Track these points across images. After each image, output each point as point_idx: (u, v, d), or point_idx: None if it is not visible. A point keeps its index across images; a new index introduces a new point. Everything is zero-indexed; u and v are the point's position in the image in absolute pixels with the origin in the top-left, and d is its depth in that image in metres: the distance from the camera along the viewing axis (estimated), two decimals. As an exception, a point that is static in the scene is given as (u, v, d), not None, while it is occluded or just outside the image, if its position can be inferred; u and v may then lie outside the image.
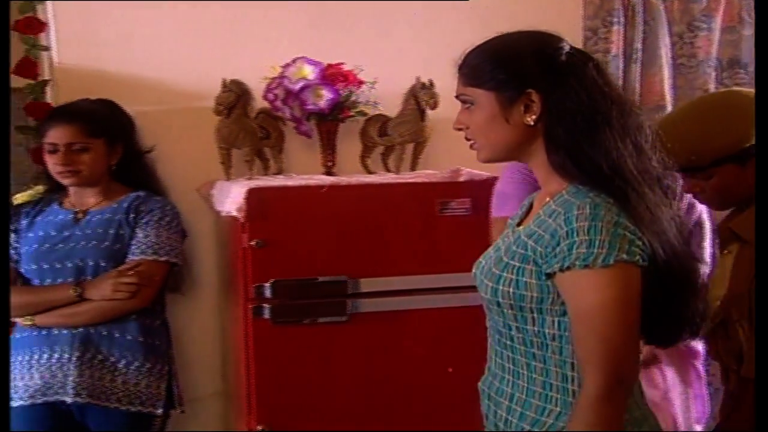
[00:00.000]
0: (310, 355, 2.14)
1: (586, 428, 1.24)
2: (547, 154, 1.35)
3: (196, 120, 2.54)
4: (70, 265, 2.15)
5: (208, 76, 2.49)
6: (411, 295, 2.12)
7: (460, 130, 1.43)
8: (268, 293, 2.09)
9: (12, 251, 2.21)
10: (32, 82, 2.49)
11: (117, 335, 2.15)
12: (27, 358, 2.15)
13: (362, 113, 2.48)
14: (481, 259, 1.46)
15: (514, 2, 2.65)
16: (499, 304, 1.35)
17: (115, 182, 2.27)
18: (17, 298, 2.15)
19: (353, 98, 2.44)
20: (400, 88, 2.44)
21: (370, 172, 2.49)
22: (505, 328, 1.37)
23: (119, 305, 2.12)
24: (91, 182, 2.21)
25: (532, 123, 1.33)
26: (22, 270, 2.20)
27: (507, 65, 1.34)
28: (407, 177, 2.30)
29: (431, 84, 2.36)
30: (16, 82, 2.47)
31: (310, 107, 2.38)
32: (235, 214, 2.07)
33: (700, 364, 2.12)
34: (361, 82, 2.44)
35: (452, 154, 2.20)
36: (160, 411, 2.18)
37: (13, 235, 2.22)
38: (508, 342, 1.38)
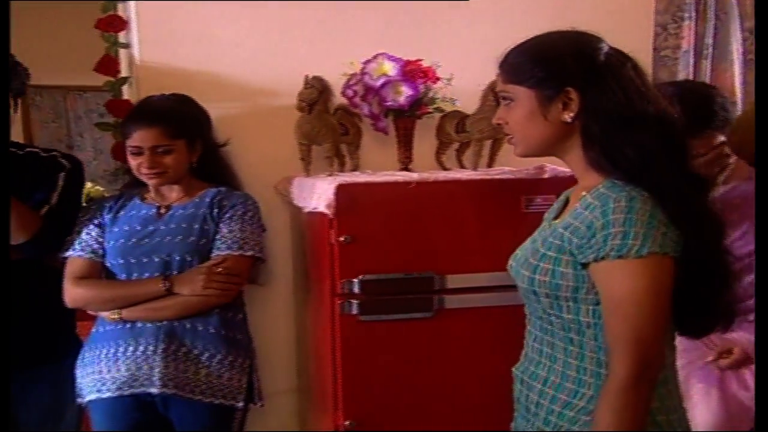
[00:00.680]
0: (396, 351, 2.15)
1: (613, 413, 1.29)
2: (584, 150, 1.40)
3: (270, 117, 2.57)
4: (156, 259, 2.17)
5: (283, 73, 2.52)
6: (496, 291, 2.12)
7: (499, 125, 1.50)
8: (356, 289, 2.10)
9: (97, 245, 2.23)
10: (112, 79, 2.52)
11: (200, 328, 2.17)
12: (113, 350, 2.17)
13: (440, 110, 2.48)
14: (517, 251, 1.52)
15: (586, -4, 2.65)
16: (535, 293, 1.41)
17: (194, 178, 2.30)
18: (107, 292, 2.19)
19: (430, 94, 2.45)
20: (473, 85, 2.44)
21: (445, 169, 2.50)
22: (545, 314, 1.43)
23: (206, 300, 2.14)
24: (175, 181, 2.24)
25: (569, 120, 1.38)
26: (108, 264, 2.23)
27: (547, 64, 1.40)
28: (493, 173, 2.30)
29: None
30: (93, 80, 2.50)
31: (389, 103, 2.39)
32: (323, 210, 2.08)
33: None
34: (437, 79, 2.45)
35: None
36: (241, 404, 2.20)
37: (97, 230, 2.25)
38: (548, 327, 1.43)
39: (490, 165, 2.46)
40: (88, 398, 2.20)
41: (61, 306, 2.24)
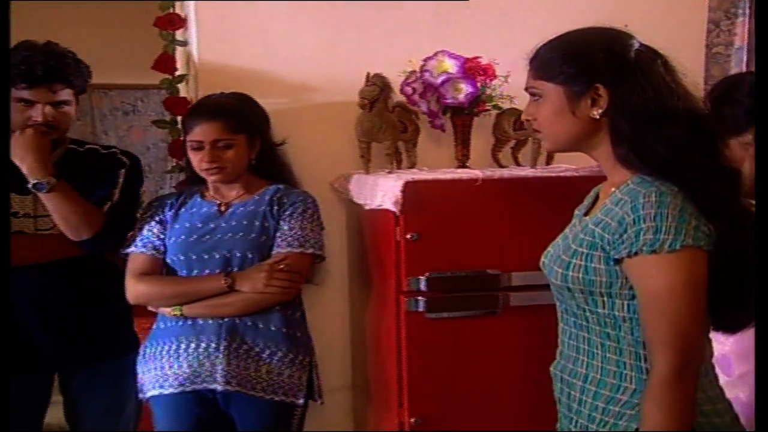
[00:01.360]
0: (461, 348, 2.15)
1: (660, 410, 1.28)
2: (612, 146, 1.40)
3: (325, 115, 2.58)
4: (217, 256, 2.18)
5: (338, 71, 2.53)
6: (562, 289, 2.11)
7: (528, 121, 1.50)
8: (422, 286, 2.10)
9: (158, 242, 2.24)
10: (169, 77, 2.53)
11: (261, 326, 2.17)
12: (174, 347, 2.18)
13: (497, 107, 2.48)
14: (549, 248, 1.52)
15: (639, -8, 2.65)
16: (569, 290, 1.42)
17: (253, 175, 2.30)
18: (169, 288, 2.20)
19: (488, 92, 2.45)
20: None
21: (501, 166, 2.49)
22: (579, 310, 1.43)
23: (268, 297, 2.14)
24: (234, 177, 2.24)
25: (597, 116, 1.38)
26: (168, 260, 2.23)
27: (576, 60, 1.40)
28: (556, 170, 2.29)
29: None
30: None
31: (449, 101, 2.39)
32: (389, 207, 2.08)
33: None
34: (495, 76, 2.44)
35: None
36: (301, 401, 2.20)
37: (158, 226, 2.26)
38: (584, 323, 1.43)
39: (548, 162, 2.45)
40: (149, 394, 2.21)
41: (120, 302, 2.25)
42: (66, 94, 2.19)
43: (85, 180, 2.24)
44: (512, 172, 2.27)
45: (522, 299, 2.15)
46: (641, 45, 1.41)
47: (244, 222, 2.21)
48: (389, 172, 2.32)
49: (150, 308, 2.27)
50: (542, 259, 1.54)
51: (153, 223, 2.26)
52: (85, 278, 2.26)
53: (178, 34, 2.52)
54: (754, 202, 1.41)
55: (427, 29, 2.61)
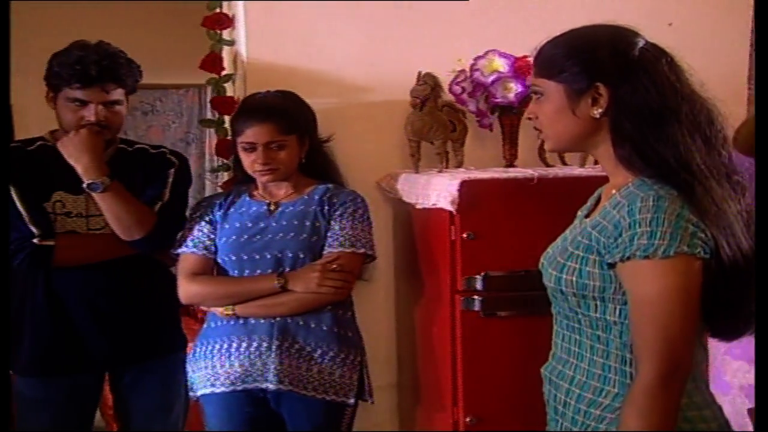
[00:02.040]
0: (516, 348, 2.15)
1: (639, 415, 1.26)
2: (614, 147, 1.37)
3: (370, 113, 2.58)
4: (268, 256, 2.18)
5: (384, 70, 2.53)
6: (617, 288, 2.10)
7: (530, 119, 1.49)
8: (478, 285, 2.09)
9: (209, 242, 2.25)
10: (215, 77, 2.54)
11: (313, 325, 2.17)
12: (226, 346, 2.19)
13: (545, 106, 2.47)
14: (549, 248, 1.51)
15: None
16: (562, 292, 1.40)
17: (301, 174, 2.30)
18: (222, 288, 2.20)
19: (536, 91, 2.44)
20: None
21: (548, 166, 2.48)
22: (572, 312, 1.41)
23: (321, 297, 2.14)
24: (286, 177, 2.24)
25: (598, 116, 1.36)
26: (219, 260, 2.24)
27: (578, 58, 1.37)
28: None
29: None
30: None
31: (498, 100, 2.39)
32: (444, 206, 2.08)
33: None
34: (543, 75, 2.43)
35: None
36: (352, 401, 2.21)
37: (209, 227, 2.26)
38: (576, 325, 1.41)
39: (597, 162, 2.44)
40: (200, 392, 2.22)
41: (169, 301, 2.26)
42: (118, 93, 2.20)
43: (135, 180, 2.24)
44: (565, 171, 2.26)
45: (577, 299, 2.15)
46: (647, 43, 1.38)
47: (295, 222, 2.21)
48: (439, 171, 2.32)
49: (203, 308, 2.28)
50: (541, 260, 1.52)
51: (203, 224, 2.26)
52: (136, 277, 2.27)
53: (225, 34, 2.53)
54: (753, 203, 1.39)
55: (473, 27, 2.60)
